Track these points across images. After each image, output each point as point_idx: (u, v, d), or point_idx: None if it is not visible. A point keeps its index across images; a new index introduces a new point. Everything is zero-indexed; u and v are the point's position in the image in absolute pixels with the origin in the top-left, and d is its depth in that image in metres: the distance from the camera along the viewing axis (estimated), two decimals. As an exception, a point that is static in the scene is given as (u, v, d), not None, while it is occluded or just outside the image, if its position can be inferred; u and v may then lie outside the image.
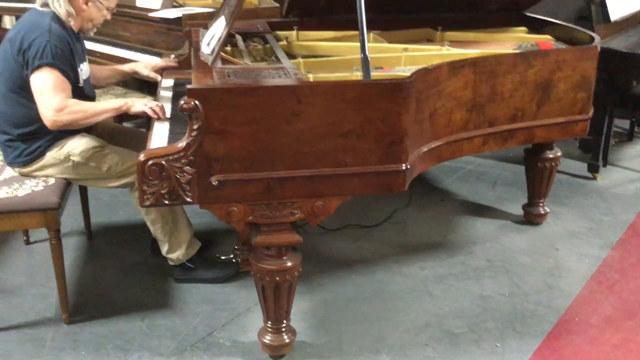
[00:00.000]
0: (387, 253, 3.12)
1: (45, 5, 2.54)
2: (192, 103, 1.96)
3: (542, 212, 3.36)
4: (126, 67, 3.05)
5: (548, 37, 3.18)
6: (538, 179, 3.28)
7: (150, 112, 2.49)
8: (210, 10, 3.89)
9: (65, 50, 2.48)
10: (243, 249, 2.87)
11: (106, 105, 2.55)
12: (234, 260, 2.92)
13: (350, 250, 3.14)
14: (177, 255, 2.78)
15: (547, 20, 3.35)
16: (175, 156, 2.01)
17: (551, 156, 3.21)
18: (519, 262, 3.04)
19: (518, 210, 3.48)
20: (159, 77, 2.96)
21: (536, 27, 3.37)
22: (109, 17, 2.71)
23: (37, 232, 3.14)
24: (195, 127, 1.99)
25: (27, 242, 3.14)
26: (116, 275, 2.91)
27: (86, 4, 2.57)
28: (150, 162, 2.01)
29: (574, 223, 3.42)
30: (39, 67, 2.40)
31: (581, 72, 2.74)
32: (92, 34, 2.76)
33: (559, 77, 2.70)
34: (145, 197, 2.04)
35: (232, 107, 2.00)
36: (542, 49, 2.91)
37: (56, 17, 2.52)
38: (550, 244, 3.21)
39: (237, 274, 2.87)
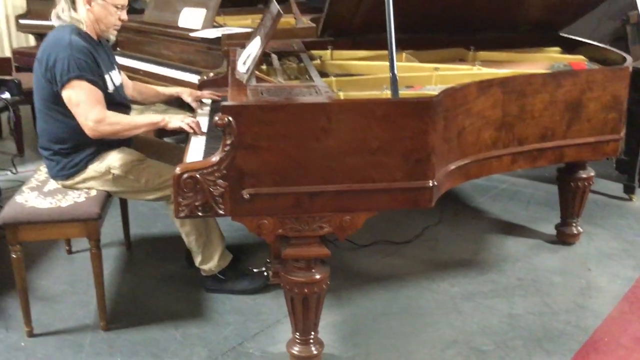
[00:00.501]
0: (416, 269, 3.15)
1: (58, 18, 2.64)
2: (226, 119, 2.04)
3: (575, 232, 3.35)
4: (172, 91, 3.15)
5: (581, 57, 3.19)
6: (571, 199, 3.27)
7: (186, 128, 2.59)
8: (249, 30, 4.01)
9: (88, 60, 2.56)
10: (274, 261, 2.95)
11: (144, 119, 2.65)
12: (265, 273, 2.99)
13: (380, 266, 3.18)
14: (209, 266, 2.86)
15: (581, 41, 3.36)
16: (209, 170, 2.09)
17: (584, 176, 3.21)
18: (549, 281, 3.04)
19: (551, 230, 3.47)
20: (199, 109, 3.02)
21: (570, 47, 3.38)
22: (124, 16, 2.70)
23: (79, 243, 3.27)
24: (228, 142, 2.07)
25: (69, 252, 3.27)
26: (152, 285, 3.00)
27: (89, 3, 2.61)
28: (185, 175, 2.09)
29: (608, 244, 3.39)
30: (68, 81, 2.50)
31: (612, 93, 2.75)
32: (112, 38, 2.76)
33: (590, 97, 2.71)
34: (180, 208, 2.13)
35: (263, 123, 2.07)
36: (572, 69, 2.92)
37: (76, 30, 2.60)
38: (582, 264, 3.20)
39: (268, 286, 2.94)
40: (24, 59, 6.17)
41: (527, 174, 4.32)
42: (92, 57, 2.58)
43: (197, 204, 2.12)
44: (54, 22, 2.66)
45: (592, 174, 3.24)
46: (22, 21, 6.61)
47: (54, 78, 2.52)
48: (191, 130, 2.58)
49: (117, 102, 2.73)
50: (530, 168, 4.07)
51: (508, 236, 3.49)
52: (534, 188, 4.15)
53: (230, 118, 2.05)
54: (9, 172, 4.27)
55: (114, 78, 2.76)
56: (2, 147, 5.03)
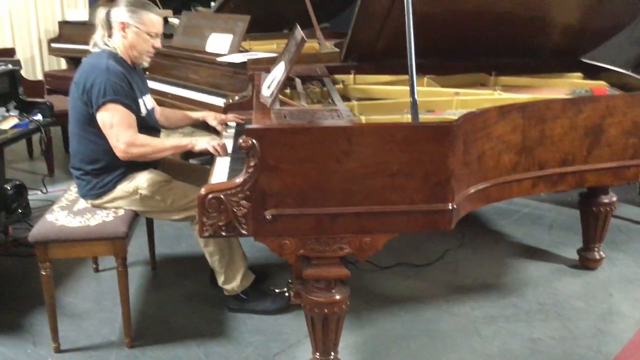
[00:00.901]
0: (437, 292, 3.17)
1: (96, 45, 2.75)
2: (250, 142, 2.10)
3: (598, 257, 3.34)
4: (198, 115, 3.24)
5: (603, 82, 3.21)
6: (593, 224, 3.27)
7: (212, 150, 2.66)
8: (274, 55, 4.09)
9: (124, 85, 2.66)
10: (296, 282, 2.98)
11: (173, 142, 2.73)
12: (286, 294, 3.03)
13: (401, 288, 3.20)
14: (232, 286, 2.91)
15: (603, 67, 3.38)
16: (233, 191, 2.15)
17: (606, 201, 3.21)
18: (571, 306, 3.03)
19: (573, 255, 3.47)
20: (224, 132, 3.09)
21: (592, 73, 3.40)
22: (157, 44, 2.79)
23: (106, 261, 3.35)
24: (252, 164, 2.13)
25: (96, 270, 3.35)
26: (176, 303, 3.06)
27: (123, 30, 2.71)
28: (210, 196, 2.15)
29: (630, 269, 3.38)
30: (103, 104, 2.59)
31: (632, 118, 2.76)
32: (146, 64, 2.85)
33: (610, 123, 2.73)
34: (204, 228, 2.18)
35: (286, 146, 2.13)
36: (591, 95, 2.94)
37: (112, 55, 2.71)
38: (604, 289, 3.18)
39: (289, 307, 2.97)
40: (55, 82, 6.37)
41: (550, 198, 4.32)
42: (127, 81, 2.68)
43: (221, 224, 2.18)
44: (91, 47, 2.76)
45: (614, 199, 3.24)
46: (54, 45, 6.81)
47: (90, 101, 2.62)
48: (217, 153, 2.65)
49: (149, 125, 2.82)
50: (551, 192, 4.11)
51: (530, 260, 3.49)
52: (557, 212, 4.15)
53: (254, 140, 2.10)
54: (39, 192, 4.39)
55: (147, 102, 2.86)
56: (33, 167, 5.17)
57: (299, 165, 2.14)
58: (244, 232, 2.20)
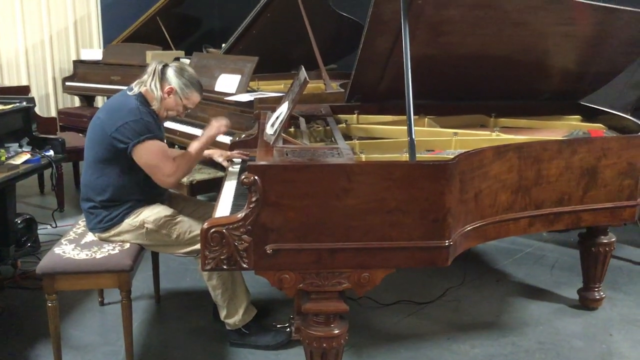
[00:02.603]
0: (438, 330, 3.19)
1: (140, 84, 2.87)
2: (252, 178, 2.18)
3: (598, 297, 3.36)
4: (205, 152, 3.31)
5: (600, 125, 3.29)
6: (593, 264, 3.30)
7: (219, 126, 2.96)
8: (280, 94, 4.21)
9: (155, 123, 2.82)
10: (297, 317, 3.02)
11: (196, 146, 2.91)
12: (287, 329, 3.06)
13: (402, 325, 3.23)
14: (234, 320, 2.96)
15: (601, 110, 3.46)
16: (235, 225, 2.21)
17: (605, 241, 3.25)
18: (571, 345, 3.04)
19: (574, 295, 3.49)
20: (230, 168, 3.18)
21: (590, 115, 3.48)
22: (182, 115, 3.01)
23: (111, 295, 3.40)
24: (253, 199, 2.20)
25: (102, 304, 3.40)
26: (179, 337, 3.10)
27: (169, 94, 2.87)
28: (212, 230, 2.22)
29: (631, 310, 3.39)
30: (142, 141, 2.71)
31: (627, 160, 2.82)
32: (164, 122, 3.07)
33: (605, 164, 2.79)
34: (206, 261, 2.24)
35: (287, 182, 2.20)
36: (586, 137, 3.01)
37: (141, 100, 2.84)
38: (604, 329, 3.20)
39: (291, 342, 3.00)
40: (68, 119, 6.52)
41: (553, 238, 4.36)
42: (156, 122, 2.85)
43: (222, 257, 2.24)
44: (134, 87, 2.89)
45: (613, 239, 3.27)
46: (68, 83, 6.99)
47: (121, 139, 2.71)
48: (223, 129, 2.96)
49: None
50: (554, 232, 4.14)
51: (531, 300, 3.51)
52: (559, 253, 4.18)
53: (256, 177, 2.18)
54: (48, 226, 4.47)
55: None
56: (44, 202, 5.26)
57: (300, 201, 2.21)
58: (245, 265, 2.25)
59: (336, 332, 2.36)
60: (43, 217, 4.60)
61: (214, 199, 4.31)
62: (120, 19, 7.53)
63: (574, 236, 4.16)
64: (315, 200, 2.21)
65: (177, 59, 6.09)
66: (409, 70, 2.42)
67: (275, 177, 2.19)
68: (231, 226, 2.22)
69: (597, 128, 3.25)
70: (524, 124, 3.40)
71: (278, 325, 3.10)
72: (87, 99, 7.23)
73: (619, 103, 3.96)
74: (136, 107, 2.77)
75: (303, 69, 2.98)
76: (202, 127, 4.28)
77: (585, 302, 3.39)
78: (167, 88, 2.86)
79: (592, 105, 3.55)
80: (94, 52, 7.11)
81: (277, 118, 2.77)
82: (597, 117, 3.43)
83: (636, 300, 3.50)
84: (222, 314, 2.96)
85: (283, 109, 2.77)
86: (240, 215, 2.22)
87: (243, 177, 2.20)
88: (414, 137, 2.37)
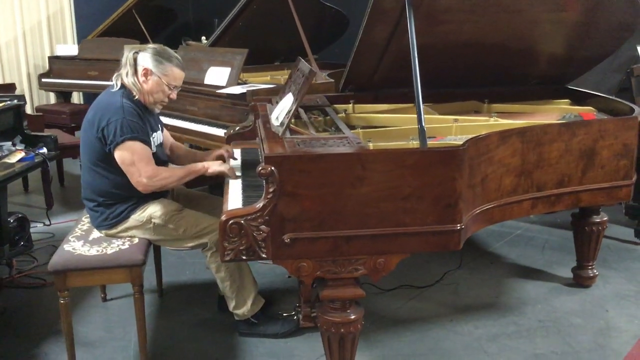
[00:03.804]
0: (440, 312, 3.26)
1: (119, 79, 2.81)
2: (269, 169, 2.21)
3: (591, 274, 3.47)
4: (198, 157, 3.20)
5: (590, 108, 3.38)
6: (586, 243, 3.41)
7: (226, 169, 2.80)
8: (271, 86, 4.23)
9: (138, 122, 2.75)
10: (304, 305, 3.07)
11: (188, 169, 2.84)
12: (294, 317, 3.10)
13: (404, 310, 3.30)
14: (242, 311, 2.98)
15: (589, 93, 3.56)
16: (253, 216, 2.24)
17: (598, 220, 3.36)
18: (570, 322, 3.14)
19: (567, 274, 3.59)
20: (231, 162, 3.09)
21: (578, 99, 3.58)
22: (173, 96, 2.88)
23: (113, 291, 3.40)
24: (271, 190, 2.23)
25: (104, 300, 3.39)
26: (187, 329, 3.11)
27: (145, 76, 2.80)
28: (231, 222, 2.24)
29: (623, 286, 3.51)
30: (122, 141, 2.67)
31: (623, 141, 2.92)
32: (157, 110, 2.95)
33: (602, 145, 2.88)
34: (225, 252, 2.27)
35: (303, 172, 2.23)
36: (585, 120, 3.10)
37: (126, 94, 2.79)
38: (600, 305, 3.31)
39: (298, 330, 3.04)
40: (47, 116, 6.40)
41: (540, 220, 4.47)
42: (141, 119, 2.77)
43: (241, 248, 2.27)
44: (114, 82, 2.83)
45: (605, 218, 3.38)
46: (44, 80, 6.88)
47: (106, 139, 2.69)
48: (230, 174, 2.79)
49: (159, 159, 2.91)
50: (541, 214, 4.25)
51: (526, 280, 3.61)
52: (548, 234, 4.29)
53: (273, 168, 2.21)
54: (38, 225, 4.42)
55: (157, 138, 2.95)
56: (29, 200, 5.20)
57: (316, 191, 2.25)
58: (263, 255, 2.29)
59: (352, 317, 2.41)
60: (31, 215, 4.52)
61: (209, 191, 4.32)
62: (93, 14, 7.43)
63: (561, 217, 4.31)
64: (330, 189, 2.25)
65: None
66: (416, 60, 2.47)
67: (292, 168, 2.22)
68: (249, 217, 2.25)
69: (588, 111, 3.34)
70: (517, 109, 3.48)
71: (284, 314, 3.14)
72: (64, 95, 7.14)
73: (603, 87, 4.07)
74: (120, 107, 2.72)
75: (303, 60, 3.02)
76: (193, 120, 4.29)
77: (580, 280, 3.50)
78: (142, 70, 2.79)
79: (580, 89, 3.65)
80: (70, 48, 7.01)
81: (282, 110, 2.79)
82: (585, 101, 3.53)
83: (627, 276, 3.63)
84: (231, 305, 2.98)
85: (287, 101, 2.79)
86: (258, 205, 2.25)
87: (260, 168, 2.22)
88: (424, 124, 2.42)
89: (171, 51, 2.89)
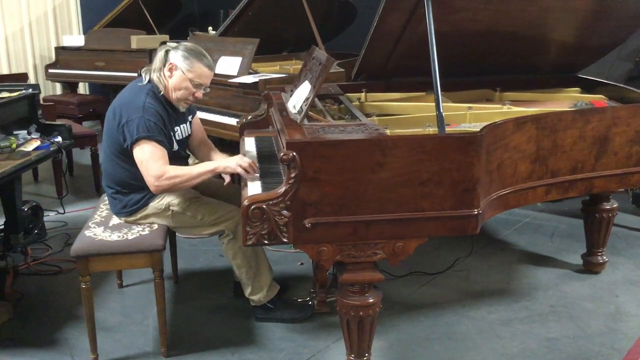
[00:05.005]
0: (453, 298, 3.31)
1: (148, 73, 2.84)
2: (291, 154, 2.24)
3: (601, 261, 3.52)
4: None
5: (601, 96, 3.42)
6: (596, 229, 3.46)
7: (241, 171, 2.70)
8: (282, 75, 4.25)
9: (158, 122, 2.75)
10: (319, 291, 3.11)
11: (201, 169, 2.78)
12: (310, 303, 3.15)
13: (417, 295, 3.34)
14: (258, 297, 3.03)
15: (599, 81, 3.59)
16: (275, 201, 2.28)
17: (608, 207, 3.40)
18: (581, 307, 3.19)
19: (577, 260, 3.64)
20: (247, 149, 3.12)
21: (589, 87, 3.61)
22: (199, 94, 2.87)
23: (129, 277, 3.45)
24: (292, 175, 2.26)
25: (121, 286, 3.43)
26: (204, 315, 3.16)
27: (171, 70, 2.82)
28: (253, 206, 2.27)
29: (632, 272, 3.56)
30: (137, 140, 2.70)
31: (635, 128, 2.95)
32: (181, 109, 2.91)
33: (615, 132, 2.92)
34: (248, 237, 2.30)
35: (324, 158, 2.26)
36: (598, 107, 3.13)
37: (152, 90, 2.81)
38: (610, 291, 3.36)
39: (314, 315, 3.09)
40: (55, 106, 6.44)
41: (549, 208, 4.52)
42: (162, 118, 2.77)
43: (263, 232, 2.30)
44: (143, 75, 2.86)
45: (615, 205, 3.43)
46: (51, 70, 6.91)
47: (124, 135, 2.72)
48: (246, 173, 2.69)
49: (179, 156, 2.94)
50: (549, 202, 4.29)
51: (537, 266, 3.66)
52: (556, 221, 4.33)
53: (295, 153, 2.24)
54: (50, 213, 4.46)
55: (183, 131, 2.96)
56: (40, 190, 5.24)
57: (337, 176, 2.28)
58: (284, 240, 2.32)
59: (371, 300, 2.45)
60: (42, 204, 4.55)
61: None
62: (99, 5, 7.46)
63: (568, 205, 4.36)
64: (351, 174, 2.29)
65: (163, 42, 6.07)
66: (434, 47, 2.50)
67: (313, 153, 2.26)
68: (271, 202, 2.28)
69: (599, 99, 3.38)
70: (529, 97, 3.51)
71: (299, 300, 3.19)
72: (71, 85, 7.17)
73: (612, 75, 4.10)
74: (142, 105, 2.73)
75: (318, 49, 3.05)
76: (204, 110, 4.31)
77: (590, 266, 3.55)
78: (168, 66, 2.81)
79: (590, 77, 3.68)
80: (76, 38, 7.03)
81: (299, 98, 2.82)
82: (595, 89, 3.56)
83: (636, 262, 3.68)
84: (247, 291, 3.03)
85: (304, 90, 2.82)
86: (280, 190, 2.28)
87: (281, 154, 2.26)
88: (442, 111, 2.45)
89: (203, 51, 2.89)
